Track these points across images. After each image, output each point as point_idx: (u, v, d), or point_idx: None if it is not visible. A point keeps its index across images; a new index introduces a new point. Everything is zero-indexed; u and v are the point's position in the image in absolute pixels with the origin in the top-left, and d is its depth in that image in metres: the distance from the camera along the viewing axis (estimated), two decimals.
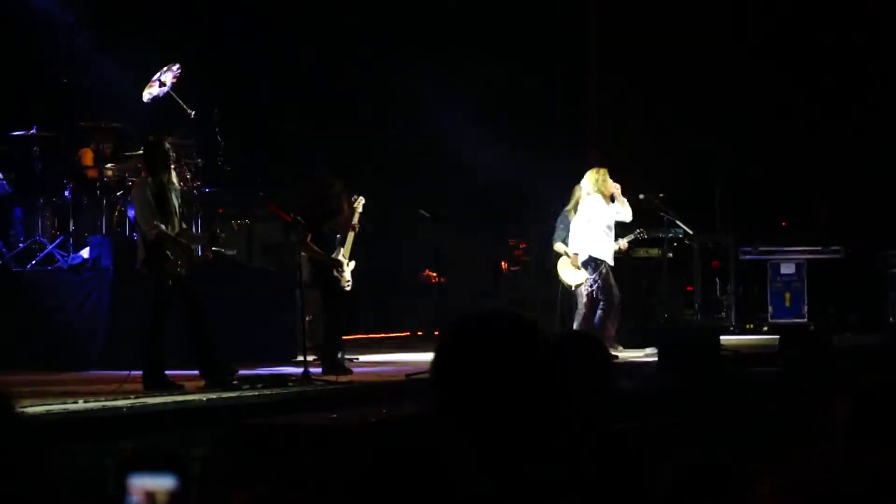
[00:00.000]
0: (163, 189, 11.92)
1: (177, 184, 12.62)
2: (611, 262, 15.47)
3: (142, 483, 1.87)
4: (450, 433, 2.76)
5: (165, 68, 15.34)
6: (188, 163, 15.22)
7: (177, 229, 11.98)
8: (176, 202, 12.05)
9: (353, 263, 13.72)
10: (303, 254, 13.54)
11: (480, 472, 2.72)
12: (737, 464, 3.22)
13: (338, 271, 13.53)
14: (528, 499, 2.72)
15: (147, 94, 15.31)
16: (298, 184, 14.13)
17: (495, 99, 21.24)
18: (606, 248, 15.45)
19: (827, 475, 2.99)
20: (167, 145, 12.38)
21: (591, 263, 15.43)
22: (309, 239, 13.43)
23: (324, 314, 13.67)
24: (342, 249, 13.65)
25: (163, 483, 1.88)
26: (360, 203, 14.00)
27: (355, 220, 13.88)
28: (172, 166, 12.62)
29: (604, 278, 15.33)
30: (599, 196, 15.36)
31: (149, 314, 11.86)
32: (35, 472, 1.69)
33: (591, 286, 15.41)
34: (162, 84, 15.26)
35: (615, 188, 15.45)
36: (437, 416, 2.78)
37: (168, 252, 11.74)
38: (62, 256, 15.01)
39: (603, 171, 15.54)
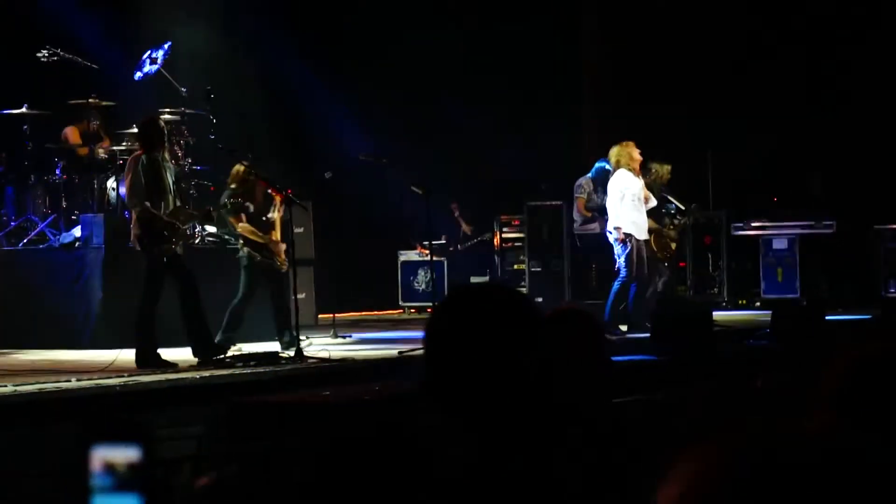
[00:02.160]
0: (157, 166, 11.93)
1: (171, 161, 12.60)
2: (640, 236, 15.46)
3: (106, 454, 1.82)
4: (436, 407, 2.75)
5: (156, 46, 15.31)
6: (179, 140, 15.19)
7: (171, 207, 11.99)
8: (170, 179, 12.07)
9: (284, 245, 13.53)
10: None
11: (465, 449, 2.72)
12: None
13: (272, 253, 13.41)
14: (517, 475, 2.72)
15: (138, 73, 15.29)
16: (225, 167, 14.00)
17: (487, 70, 21.22)
18: (638, 223, 15.38)
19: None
20: (162, 123, 12.39)
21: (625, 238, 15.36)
22: (244, 220, 13.35)
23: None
24: (274, 231, 13.51)
25: (126, 453, 1.82)
26: (278, 203, 13.72)
27: (277, 214, 13.63)
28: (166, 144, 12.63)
29: (629, 254, 15.26)
30: (626, 169, 15.35)
31: (142, 292, 11.87)
32: None
33: (618, 258, 15.36)
34: (153, 62, 15.23)
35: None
36: (424, 391, 2.78)
37: (162, 229, 11.75)
38: (54, 235, 14.99)
39: (629, 144, 15.48)
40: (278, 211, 13.53)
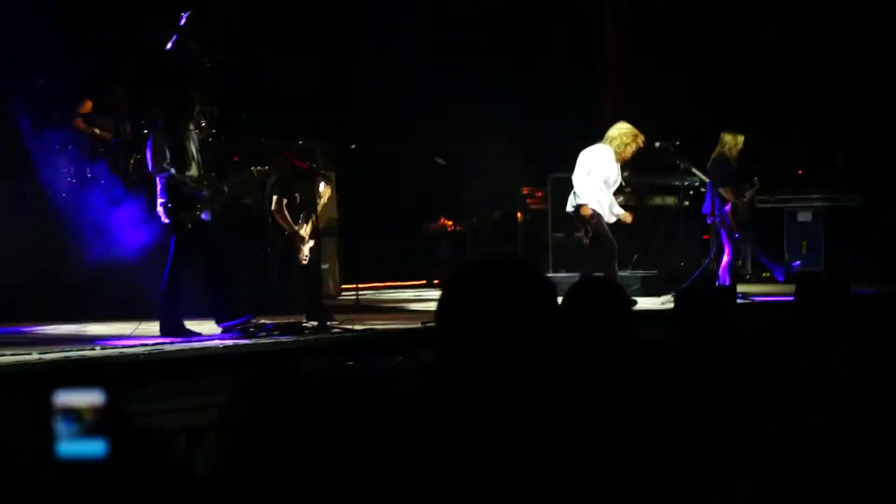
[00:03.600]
0: (181, 136, 11.95)
1: (195, 131, 12.60)
2: (607, 218, 15.08)
3: (68, 400, 1.75)
4: (449, 379, 2.75)
5: (180, 15, 15.28)
6: (203, 111, 15.17)
7: (196, 176, 12.01)
8: (194, 149, 12.08)
9: (312, 242, 13.50)
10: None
11: (476, 420, 2.71)
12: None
13: (297, 245, 13.38)
14: (524, 453, 2.71)
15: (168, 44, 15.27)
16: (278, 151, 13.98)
17: (509, 42, 21.17)
18: (602, 202, 15.13)
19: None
20: (190, 96, 12.39)
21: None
22: (285, 205, 13.34)
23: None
24: (305, 226, 13.48)
25: (91, 398, 1.76)
26: (326, 192, 13.73)
27: (320, 205, 13.62)
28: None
29: (595, 227, 15.05)
30: (611, 151, 15.05)
31: (168, 259, 11.89)
32: None
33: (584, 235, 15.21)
34: (177, 32, 15.20)
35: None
36: (438, 362, 2.77)
37: (187, 196, 11.79)
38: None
39: (638, 135, 15.07)
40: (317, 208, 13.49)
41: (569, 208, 15.12)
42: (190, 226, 11.85)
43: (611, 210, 15.00)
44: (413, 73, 20.96)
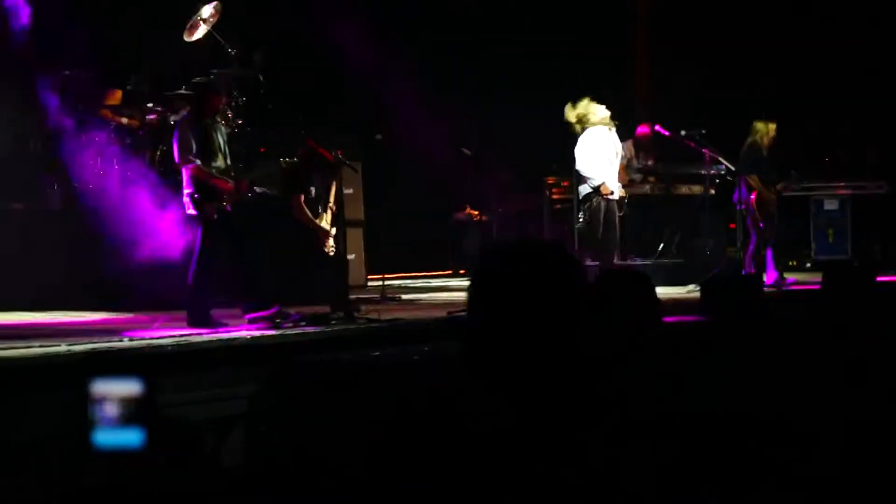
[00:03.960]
0: (207, 128, 11.97)
1: (221, 122, 12.60)
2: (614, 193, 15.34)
3: (107, 389, 1.77)
4: (475, 371, 2.75)
5: (206, 6, 15.30)
6: (229, 101, 15.19)
7: (222, 167, 12.02)
8: (221, 140, 12.09)
9: (334, 230, 13.46)
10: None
11: (507, 406, 2.71)
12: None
13: (322, 239, 13.33)
14: (553, 440, 2.72)
15: (188, 34, 15.27)
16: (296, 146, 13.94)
17: (536, 31, 21.13)
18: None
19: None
20: (217, 88, 12.41)
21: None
22: (302, 200, 13.32)
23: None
24: (326, 216, 13.43)
25: (129, 388, 1.78)
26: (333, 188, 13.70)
27: (332, 196, 13.60)
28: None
29: (593, 211, 15.21)
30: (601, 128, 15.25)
31: (196, 250, 11.90)
32: None
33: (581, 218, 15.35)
34: (203, 21, 15.21)
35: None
36: (467, 345, 2.77)
37: (213, 187, 11.80)
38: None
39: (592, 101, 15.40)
40: (331, 200, 13.48)
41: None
42: (216, 217, 11.86)
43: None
44: (438, 62, 20.94)
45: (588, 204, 15.31)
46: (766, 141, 16.57)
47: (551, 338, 2.72)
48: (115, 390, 1.76)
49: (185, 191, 11.93)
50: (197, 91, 12.49)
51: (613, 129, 15.51)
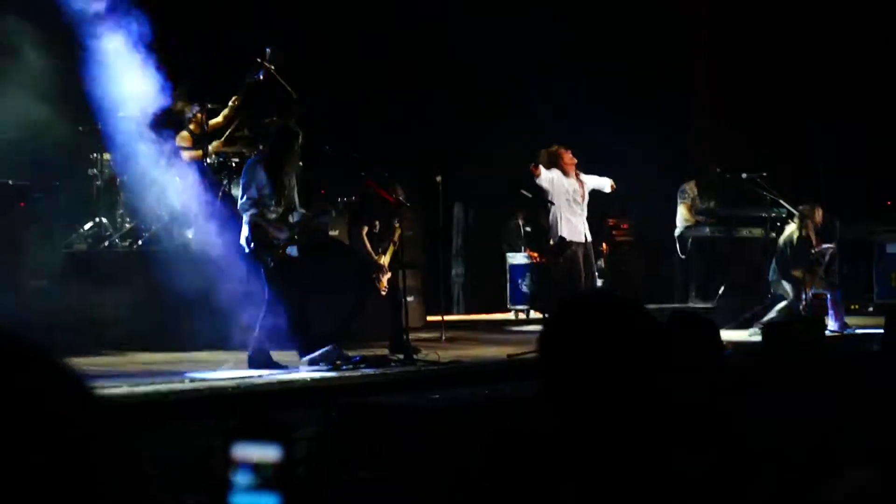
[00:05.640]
0: (277, 172, 11.89)
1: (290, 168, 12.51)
2: (575, 238, 15.11)
3: (247, 453, 1.84)
4: (557, 415, 2.75)
5: (266, 49, 15.40)
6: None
7: (282, 210, 11.96)
8: (289, 185, 12.03)
9: (389, 274, 13.45)
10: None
11: (589, 455, 2.71)
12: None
13: (377, 275, 13.32)
14: (636, 477, 2.71)
15: (250, 76, 15.37)
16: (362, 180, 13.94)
17: (596, 78, 21.11)
18: (572, 223, 15.13)
19: None
20: (295, 129, 12.35)
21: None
22: (364, 233, 13.32)
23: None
24: (384, 256, 13.43)
25: (269, 453, 1.85)
26: (400, 226, 13.70)
27: (396, 235, 13.60)
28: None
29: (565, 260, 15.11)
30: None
31: (270, 294, 11.87)
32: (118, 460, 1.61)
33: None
34: (264, 66, 15.31)
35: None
36: (543, 399, 2.77)
37: (269, 237, 11.76)
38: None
39: (559, 148, 15.28)
40: (395, 237, 13.49)
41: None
42: (272, 263, 11.81)
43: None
44: (498, 103, 20.97)
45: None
46: (811, 225, 16.61)
47: (637, 386, 2.71)
48: (256, 455, 1.84)
49: (243, 234, 11.88)
50: (277, 131, 12.44)
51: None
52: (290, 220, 12.10)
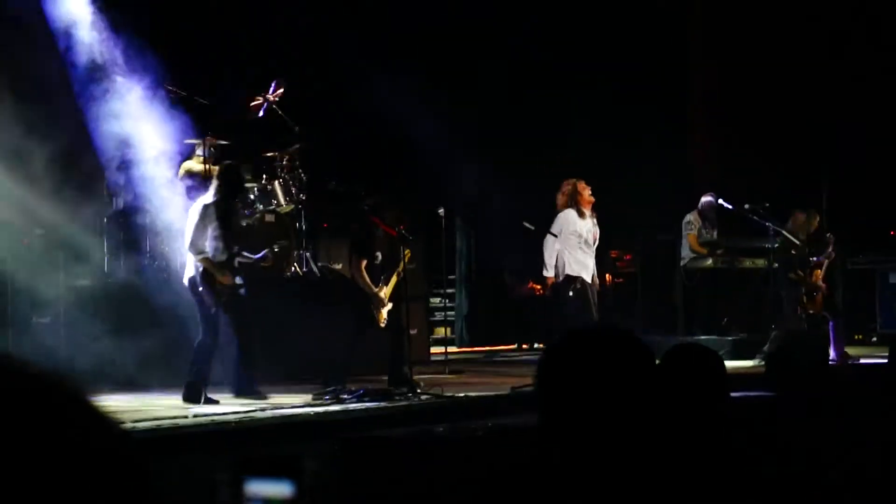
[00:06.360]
0: (230, 212, 12.15)
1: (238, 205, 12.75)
2: (585, 276, 15.30)
3: (259, 489, 1.85)
4: (556, 447, 2.75)
5: (270, 84, 15.44)
6: (292, 177, 15.27)
7: (232, 250, 12.12)
8: (239, 223, 12.34)
9: (390, 305, 13.39)
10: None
11: (589, 486, 2.71)
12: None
13: (375, 307, 13.30)
14: None
15: (254, 111, 15.40)
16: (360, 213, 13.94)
17: (596, 110, 21.13)
18: (582, 262, 15.26)
19: None
20: (241, 171, 12.56)
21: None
22: (363, 266, 13.29)
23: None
24: (385, 288, 13.37)
25: (279, 489, 1.86)
26: (407, 254, 13.68)
27: (401, 266, 13.58)
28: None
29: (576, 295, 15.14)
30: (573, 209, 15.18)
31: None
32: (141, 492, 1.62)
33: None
34: (266, 100, 15.35)
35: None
36: (542, 431, 2.77)
37: (215, 280, 11.95)
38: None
39: (579, 182, 15.34)
40: (400, 269, 13.48)
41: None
42: (216, 308, 12.03)
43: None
44: (497, 140, 20.99)
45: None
46: (805, 229, 16.72)
47: (626, 424, 2.72)
48: (268, 491, 1.86)
49: (187, 274, 12.21)
50: (225, 169, 12.57)
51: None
52: (235, 264, 12.23)
